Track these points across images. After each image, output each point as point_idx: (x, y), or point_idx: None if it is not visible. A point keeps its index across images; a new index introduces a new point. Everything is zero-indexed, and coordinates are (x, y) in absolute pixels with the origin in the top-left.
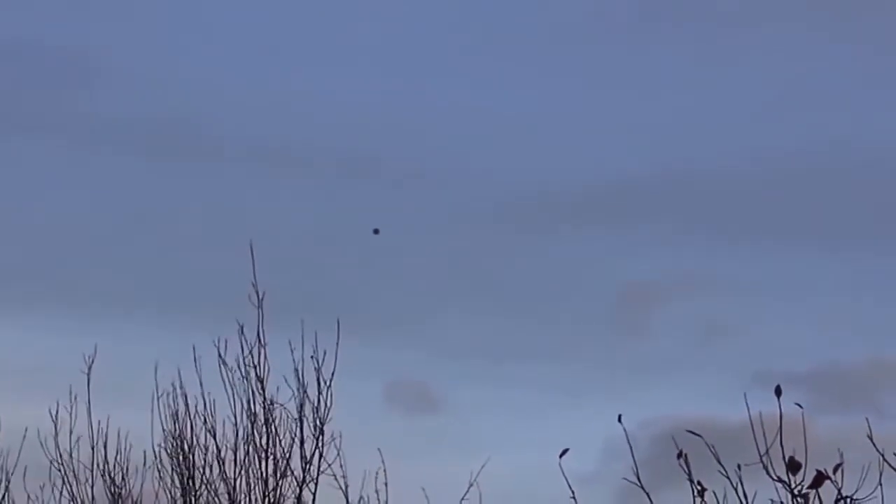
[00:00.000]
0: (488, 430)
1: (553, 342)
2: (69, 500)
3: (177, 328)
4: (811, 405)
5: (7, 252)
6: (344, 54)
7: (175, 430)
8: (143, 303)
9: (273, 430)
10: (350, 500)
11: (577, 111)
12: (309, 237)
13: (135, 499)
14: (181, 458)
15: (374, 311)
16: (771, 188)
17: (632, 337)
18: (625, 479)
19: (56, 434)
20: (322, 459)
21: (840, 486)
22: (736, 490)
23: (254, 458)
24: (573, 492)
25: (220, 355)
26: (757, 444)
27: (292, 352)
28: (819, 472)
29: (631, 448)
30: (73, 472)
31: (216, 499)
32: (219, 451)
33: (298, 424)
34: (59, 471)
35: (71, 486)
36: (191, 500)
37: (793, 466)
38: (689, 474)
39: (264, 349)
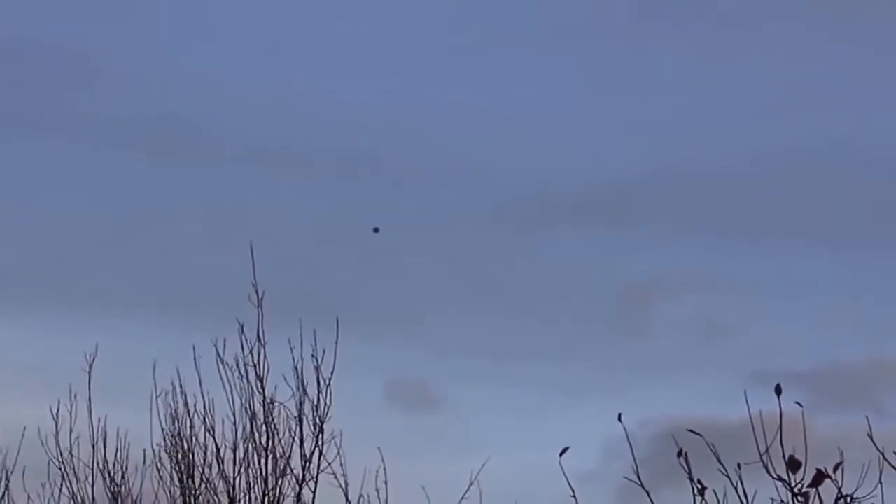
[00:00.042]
0: (488, 429)
1: (553, 341)
2: (69, 499)
3: (176, 327)
4: (811, 404)
5: (6, 252)
6: (344, 54)
7: (174, 428)
8: (142, 302)
9: (273, 428)
10: (350, 498)
11: (576, 111)
12: (309, 236)
13: (134, 497)
14: (180, 456)
15: (374, 310)
16: (771, 188)
17: (631, 336)
18: (625, 477)
19: (57, 432)
20: (322, 458)
21: (840, 484)
22: (736, 489)
23: (253, 456)
24: (573, 490)
25: (218, 354)
26: (757, 442)
27: (292, 350)
28: (819, 471)
29: (631, 447)
30: (74, 470)
31: (216, 497)
32: (218, 449)
33: (298, 423)
34: (60, 469)
35: (71, 485)
36: (190, 499)
37: (793, 465)
38: (690, 473)
39: (264, 348)
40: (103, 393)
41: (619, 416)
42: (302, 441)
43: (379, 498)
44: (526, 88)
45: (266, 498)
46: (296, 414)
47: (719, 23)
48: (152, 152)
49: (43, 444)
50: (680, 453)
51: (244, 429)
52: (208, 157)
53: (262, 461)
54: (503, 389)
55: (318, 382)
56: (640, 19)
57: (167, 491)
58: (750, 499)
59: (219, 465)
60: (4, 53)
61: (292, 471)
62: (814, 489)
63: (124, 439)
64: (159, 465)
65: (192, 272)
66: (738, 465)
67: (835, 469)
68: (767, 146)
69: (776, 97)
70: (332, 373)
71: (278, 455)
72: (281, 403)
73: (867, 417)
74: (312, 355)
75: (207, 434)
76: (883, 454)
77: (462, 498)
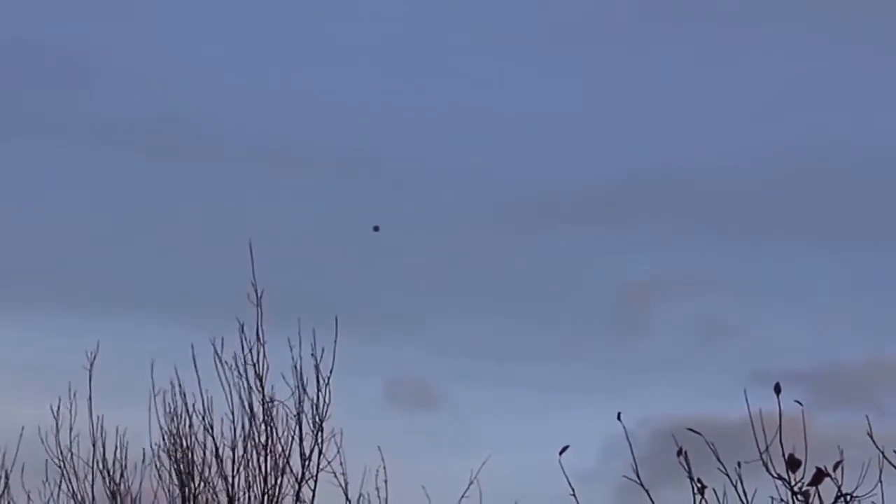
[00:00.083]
0: (488, 429)
1: (553, 341)
2: (70, 498)
3: (176, 327)
4: (811, 403)
5: (5, 251)
6: (344, 54)
7: (174, 427)
8: (142, 301)
9: (272, 427)
10: (350, 497)
11: (576, 111)
12: (309, 236)
13: (134, 496)
14: (179, 455)
15: (374, 310)
16: (771, 188)
17: (631, 336)
18: (625, 476)
19: (57, 431)
20: (322, 456)
21: (840, 483)
22: (736, 488)
23: (252, 455)
24: (573, 489)
25: (216, 353)
26: (757, 441)
27: (291, 350)
28: (819, 470)
29: (630, 446)
30: (74, 469)
31: (215, 496)
32: (217, 448)
33: (297, 422)
34: (60, 468)
35: (71, 483)
36: (189, 498)
37: (793, 464)
38: (689, 472)
39: (263, 347)
40: (102, 392)
41: (619, 415)
42: (301, 440)
43: (379, 497)
44: (526, 88)
45: (265, 497)
46: (295, 413)
47: (719, 23)
48: (152, 152)
49: (43, 443)
50: (680, 452)
51: (243, 427)
52: (208, 157)
53: (262, 460)
54: (503, 389)
55: (318, 381)
56: (639, 19)
57: (166, 490)
58: (750, 498)
59: (218, 463)
60: (4, 53)
61: (291, 469)
62: (814, 488)
63: (123, 437)
64: (158, 464)
65: (191, 271)
66: (738, 464)
67: (834, 468)
68: (767, 146)
69: (776, 97)
70: (331, 371)
71: (277, 454)
72: (280, 402)
73: (867, 416)
74: (312, 354)
75: (206, 433)
76: (883, 453)
77: (462, 497)
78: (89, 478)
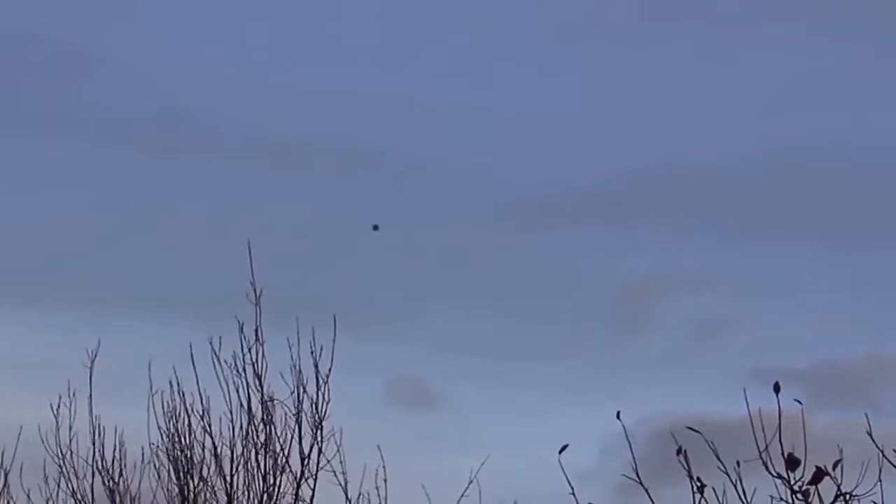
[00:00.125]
0: (488, 428)
1: (552, 340)
2: (69, 496)
3: (175, 326)
4: (809, 402)
5: (3, 249)
6: (344, 52)
7: (173, 427)
8: (141, 300)
9: (271, 426)
10: (349, 496)
11: (576, 111)
12: (308, 234)
13: (133, 495)
14: (178, 454)
15: (373, 309)
16: (770, 187)
17: (631, 334)
18: (624, 475)
19: (57, 429)
20: (321, 455)
21: (839, 482)
22: (735, 487)
23: (251, 454)
24: (572, 488)
25: (214, 353)
26: (756, 440)
27: (290, 349)
28: (818, 469)
29: (630, 445)
30: (74, 467)
31: (213, 495)
32: (215, 447)
33: (296, 421)
34: (59, 466)
35: (70, 482)
36: (188, 497)
37: (792, 463)
38: (689, 471)
39: (262, 346)
40: (101, 391)
41: (618, 413)
42: (301, 438)
43: (378, 496)
44: (526, 88)
45: (265, 496)
46: (294, 412)
47: (719, 22)
48: (152, 148)
49: (43, 441)
50: (679, 451)
51: (241, 427)
52: (208, 154)
53: (261, 459)
54: (502, 388)
55: (317, 380)
56: (640, 19)
57: (165, 489)
58: (749, 497)
59: (216, 463)
60: (3, 48)
61: (290, 468)
62: (813, 487)
63: (121, 436)
64: (157, 464)
65: (191, 270)
66: (738, 463)
67: (834, 466)
68: (766, 145)
69: (776, 97)
70: (329, 370)
71: (276, 453)
72: (279, 401)
73: (866, 415)
74: (311, 353)
75: (205, 432)
76: (882, 452)
77: (461, 496)
78: (88, 477)
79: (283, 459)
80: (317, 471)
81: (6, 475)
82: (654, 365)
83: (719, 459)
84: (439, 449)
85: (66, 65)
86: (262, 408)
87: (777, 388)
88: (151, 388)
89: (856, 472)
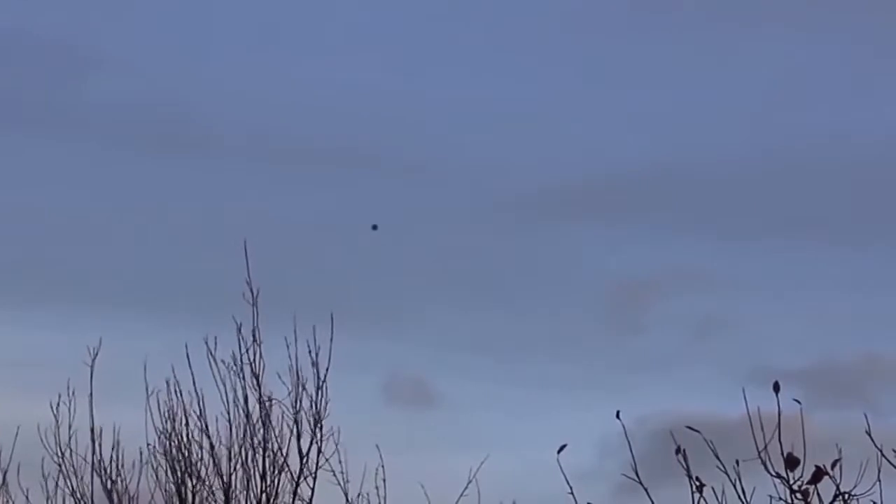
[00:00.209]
0: (486, 427)
1: (551, 339)
2: (69, 496)
3: (173, 325)
4: (808, 401)
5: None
6: (343, 50)
7: (170, 426)
8: (138, 300)
9: (268, 425)
10: (349, 496)
11: (575, 108)
12: (306, 232)
13: (131, 495)
14: (175, 453)
15: (371, 307)
16: (768, 185)
17: (629, 333)
18: (623, 474)
19: (57, 428)
20: (320, 454)
21: (838, 482)
22: (734, 486)
23: (249, 453)
24: (571, 488)
25: (210, 352)
26: (755, 440)
27: (288, 348)
28: (818, 468)
29: (629, 444)
30: (73, 466)
31: (212, 494)
32: (212, 447)
33: (295, 420)
34: (59, 466)
35: (70, 481)
36: (186, 496)
37: (791, 462)
38: (688, 470)
39: (259, 346)
40: (99, 390)
41: (618, 413)
42: (299, 438)
43: (378, 495)
44: (524, 85)
45: (263, 495)
46: (292, 411)
47: (720, 18)
48: (150, 148)
49: (42, 441)
50: (678, 450)
51: (240, 426)
52: (205, 151)
53: (259, 458)
54: (501, 387)
55: (316, 379)
56: (639, 14)
57: (163, 489)
58: (748, 496)
59: (213, 462)
60: (3, 48)
61: (289, 468)
62: (812, 486)
63: (118, 435)
64: (155, 463)
65: (189, 270)
66: (737, 463)
67: (833, 466)
68: (765, 144)
69: (775, 95)
70: (327, 369)
71: (274, 452)
72: (277, 401)
73: (865, 415)
74: (309, 352)
75: (202, 432)
76: (881, 451)
77: (461, 496)
78: (87, 476)
79: (282, 459)
80: (316, 470)
81: (5, 474)
82: (653, 364)
83: (718, 459)
84: (438, 448)
85: (65, 64)
86: (260, 407)
87: (777, 388)
88: (147, 388)
89: (855, 471)
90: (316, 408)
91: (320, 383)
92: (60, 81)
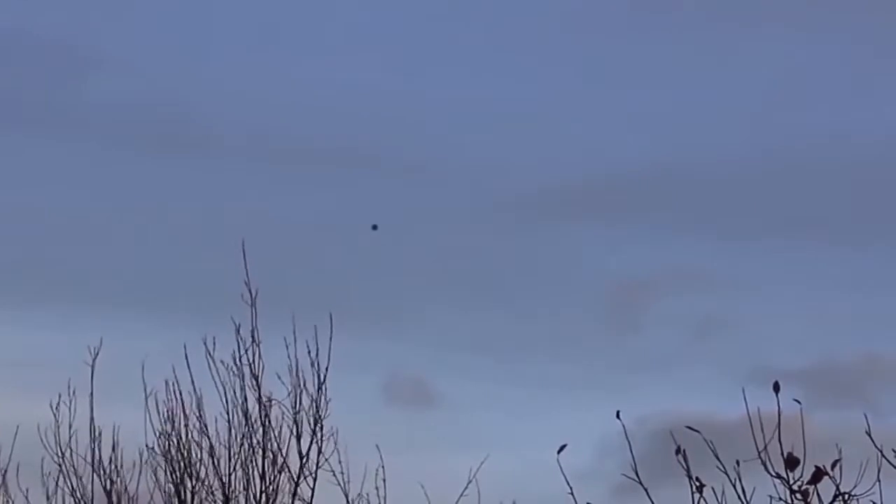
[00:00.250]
0: (487, 427)
1: (550, 339)
2: (69, 495)
3: (172, 326)
4: (808, 401)
5: (3, 249)
6: (342, 49)
7: (170, 426)
8: (137, 300)
9: (268, 426)
10: (349, 496)
11: (575, 108)
12: (307, 231)
13: (131, 495)
14: (174, 453)
15: (371, 307)
16: (768, 185)
17: (629, 333)
18: (623, 474)
19: (57, 428)
20: (320, 454)
21: (838, 482)
22: (734, 486)
23: (248, 454)
24: (571, 488)
25: (208, 353)
26: (755, 440)
27: (287, 348)
28: (818, 468)
29: (629, 444)
30: (73, 466)
31: (211, 494)
32: (212, 447)
33: (294, 420)
34: (59, 465)
35: (70, 481)
36: (186, 496)
37: (791, 462)
38: (688, 470)
39: (258, 347)
40: (99, 390)
41: (618, 413)
42: (299, 437)
43: (378, 495)
44: (524, 85)
45: (263, 495)
46: (292, 411)
47: (720, 17)
48: (150, 147)
49: (42, 441)
50: (678, 450)
51: (239, 426)
52: (205, 152)
53: (258, 459)
54: (501, 387)
55: (317, 379)
56: (639, 14)
57: (162, 489)
58: (748, 496)
59: (213, 462)
60: (3, 48)
61: (289, 468)
62: (812, 486)
63: (118, 434)
64: (154, 463)
65: (188, 270)
66: (737, 463)
67: (833, 466)
68: (764, 143)
69: (775, 95)
70: (326, 369)
71: (274, 452)
72: (277, 401)
73: (865, 415)
74: (308, 352)
75: (202, 432)
76: (881, 452)
77: (461, 496)
78: (87, 476)
79: (282, 459)
80: (316, 470)
81: (4, 474)
82: (652, 364)
83: (718, 459)
84: (438, 448)
85: (65, 64)
86: (260, 407)
87: (777, 388)
88: (146, 388)
89: (854, 471)
90: (316, 408)
91: (320, 383)
92: (60, 81)
